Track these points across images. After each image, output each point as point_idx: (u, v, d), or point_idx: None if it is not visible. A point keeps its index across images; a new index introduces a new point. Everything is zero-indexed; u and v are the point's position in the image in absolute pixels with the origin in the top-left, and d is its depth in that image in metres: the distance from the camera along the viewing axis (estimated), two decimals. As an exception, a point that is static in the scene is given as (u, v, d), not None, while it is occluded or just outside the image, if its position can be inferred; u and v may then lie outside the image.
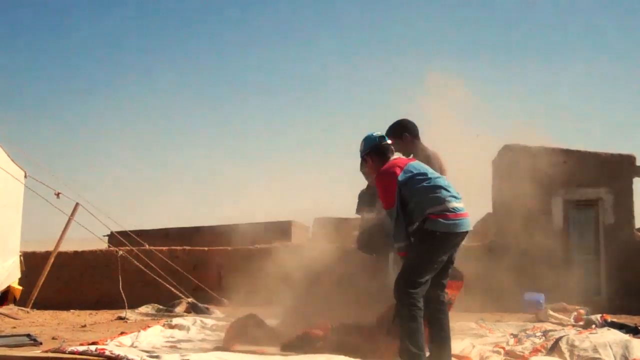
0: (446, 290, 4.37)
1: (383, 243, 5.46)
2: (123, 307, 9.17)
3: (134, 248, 11.27)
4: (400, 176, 4.22)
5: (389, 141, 4.52)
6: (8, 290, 10.53)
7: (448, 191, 4.21)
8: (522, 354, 4.87)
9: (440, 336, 4.23)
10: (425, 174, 4.27)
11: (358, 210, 6.14)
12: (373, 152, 4.48)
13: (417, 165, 4.37)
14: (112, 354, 4.20)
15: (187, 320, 6.94)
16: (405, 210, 4.19)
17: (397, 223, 4.22)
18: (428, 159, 4.89)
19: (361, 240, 5.63)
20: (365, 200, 6.09)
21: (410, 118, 5.44)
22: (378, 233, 5.47)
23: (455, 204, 4.18)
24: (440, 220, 4.11)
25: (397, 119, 5.32)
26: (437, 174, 4.38)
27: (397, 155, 4.50)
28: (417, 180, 4.22)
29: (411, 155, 5.02)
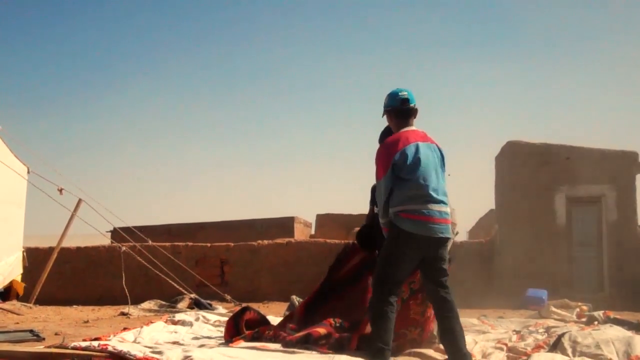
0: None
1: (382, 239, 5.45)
2: (126, 303, 9.19)
3: (136, 244, 11.29)
4: (397, 155, 4.12)
5: (413, 105, 4.35)
6: (11, 286, 10.57)
7: (431, 192, 4.09)
8: (524, 350, 4.86)
9: (451, 336, 4.15)
10: (417, 165, 4.11)
11: (371, 203, 6.12)
12: (392, 112, 4.39)
13: (420, 151, 4.17)
14: (114, 349, 4.20)
15: (190, 316, 6.93)
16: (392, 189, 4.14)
17: (379, 197, 4.20)
18: None
19: (361, 237, 5.61)
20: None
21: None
22: (377, 229, 5.46)
23: (433, 207, 4.07)
24: (409, 219, 4.04)
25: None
26: (432, 170, 4.19)
27: (412, 129, 4.32)
28: (406, 168, 4.10)
29: None
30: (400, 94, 4.36)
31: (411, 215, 4.06)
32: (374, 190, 6.13)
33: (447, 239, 4.18)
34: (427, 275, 4.23)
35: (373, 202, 6.06)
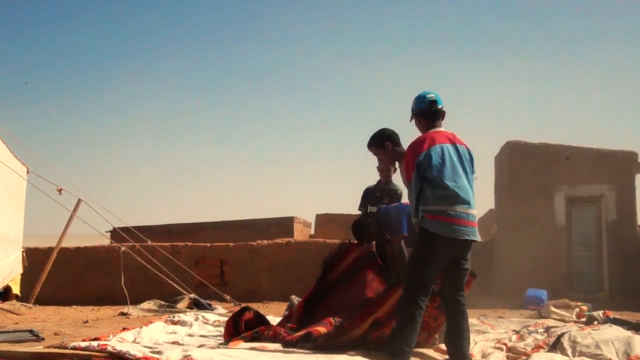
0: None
1: (376, 233, 5.45)
2: (125, 303, 9.19)
3: (136, 244, 11.29)
4: (422, 155, 4.10)
5: (441, 106, 4.36)
6: (10, 286, 10.56)
7: (459, 193, 4.07)
8: (524, 350, 4.87)
9: (458, 338, 4.16)
10: (443, 166, 4.09)
11: (361, 206, 6.14)
12: (421, 114, 4.36)
13: (446, 153, 4.16)
14: (114, 349, 4.20)
15: (189, 316, 6.94)
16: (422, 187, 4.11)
17: (411, 197, 4.19)
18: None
19: (355, 229, 5.62)
20: (370, 196, 6.07)
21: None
22: (372, 223, 5.46)
23: (461, 208, 4.06)
24: (435, 220, 4.03)
25: (379, 129, 5.17)
26: (460, 172, 4.17)
27: (440, 130, 4.31)
28: (432, 169, 4.07)
29: (397, 164, 5.00)
30: (427, 96, 4.36)
31: (437, 216, 4.05)
32: (365, 193, 6.13)
33: (472, 241, 4.17)
34: (446, 275, 4.23)
35: (364, 205, 6.07)
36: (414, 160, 4.14)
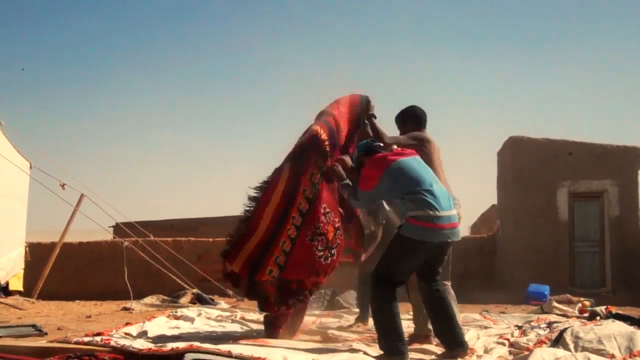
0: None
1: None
2: (128, 298, 9.20)
3: (139, 239, 11.30)
4: (394, 164, 4.20)
5: (380, 143, 4.56)
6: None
7: (438, 198, 4.11)
8: (526, 345, 4.86)
9: (445, 323, 4.25)
10: (419, 174, 4.19)
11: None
12: (369, 153, 4.46)
13: (415, 162, 4.28)
14: (117, 344, 4.22)
15: (192, 311, 6.95)
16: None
17: (359, 202, 4.43)
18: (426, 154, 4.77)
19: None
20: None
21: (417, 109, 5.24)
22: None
23: (441, 212, 4.08)
24: (419, 226, 4.06)
25: (409, 105, 5.11)
26: (433, 178, 4.28)
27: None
28: (407, 179, 4.15)
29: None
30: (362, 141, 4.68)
31: (421, 222, 4.07)
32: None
33: (452, 242, 4.26)
34: (423, 274, 4.34)
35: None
36: (379, 171, 4.21)
